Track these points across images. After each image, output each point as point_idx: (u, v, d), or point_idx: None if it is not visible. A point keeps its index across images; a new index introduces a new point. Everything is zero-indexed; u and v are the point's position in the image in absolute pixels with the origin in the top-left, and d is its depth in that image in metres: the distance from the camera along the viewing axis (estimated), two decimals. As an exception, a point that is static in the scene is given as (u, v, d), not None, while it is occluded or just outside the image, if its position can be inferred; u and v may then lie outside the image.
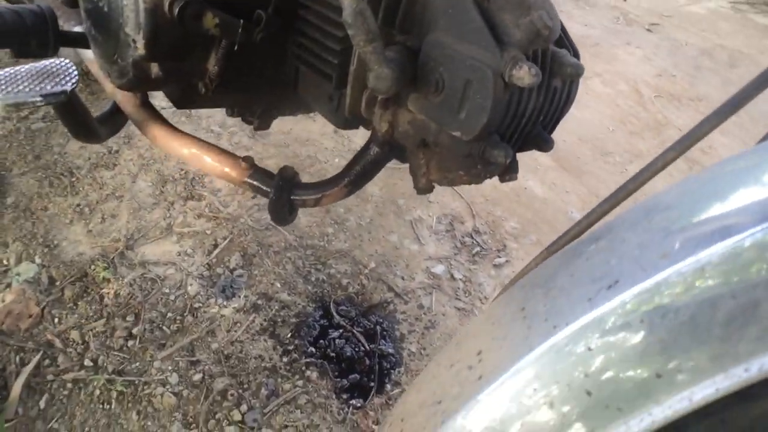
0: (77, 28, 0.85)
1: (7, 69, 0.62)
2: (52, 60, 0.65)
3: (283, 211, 0.74)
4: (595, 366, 0.28)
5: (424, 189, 0.68)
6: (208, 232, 1.43)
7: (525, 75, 0.52)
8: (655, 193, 0.37)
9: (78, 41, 0.77)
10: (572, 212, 1.57)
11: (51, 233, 1.42)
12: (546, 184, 1.66)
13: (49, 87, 0.61)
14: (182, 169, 1.60)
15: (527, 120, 0.61)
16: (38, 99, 0.60)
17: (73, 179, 1.55)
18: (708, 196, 0.32)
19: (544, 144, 0.65)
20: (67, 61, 0.66)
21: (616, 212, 0.46)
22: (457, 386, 0.34)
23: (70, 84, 0.63)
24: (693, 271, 0.27)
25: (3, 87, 0.59)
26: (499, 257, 1.42)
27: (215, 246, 1.40)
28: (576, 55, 0.64)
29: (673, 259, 0.28)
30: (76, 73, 0.65)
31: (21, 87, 0.59)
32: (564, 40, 0.63)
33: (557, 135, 1.96)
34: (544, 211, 1.57)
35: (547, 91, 0.61)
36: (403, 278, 1.35)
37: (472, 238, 1.47)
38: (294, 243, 1.40)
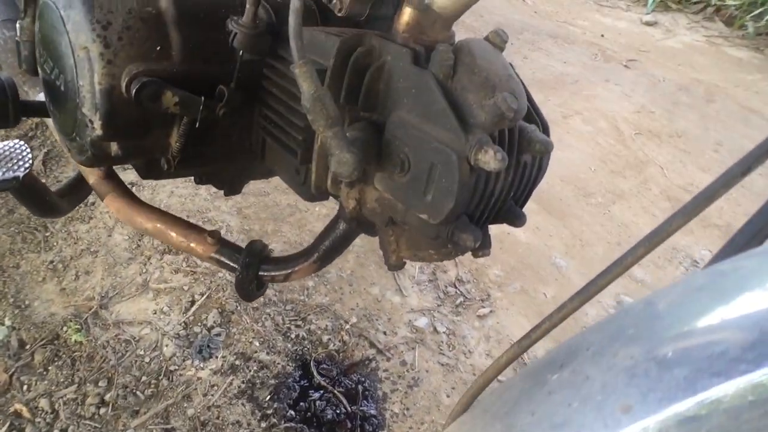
0: (41, 95, 0.83)
1: (-44, 155, 0.60)
2: (5, 143, 0.63)
3: (249, 288, 0.71)
4: None
5: (394, 266, 0.66)
6: (186, 287, 1.40)
7: (491, 159, 0.50)
8: (621, 309, 0.35)
9: (39, 111, 0.75)
10: (556, 257, 1.56)
11: (22, 292, 1.38)
12: (529, 229, 1.64)
13: (0, 173, 0.59)
14: (160, 222, 1.57)
15: (497, 199, 0.59)
16: (-10, 186, 0.58)
17: (47, 234, 1.52)
18: (671, 326, 0.30)
19: (515, 219, 0.63)
20: (22, 143, 0.64)
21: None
22: None
23: (22, 169, 0.61)
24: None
25: (-49, 175, 0.56)
26: (483, 307, 1.40)
27: (192, 303, 1.36)
28: (545, 128, 0.63)
29: (635, 416, 0.26)
30: (30, 156, 0.63)
31: (-30, 175, 0.57)
32: (533, 114, 0.62)
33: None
34: (528, 257, 1.55)
35: (516, 168, 0.59)
36: (385, 333, 1.32)
37: (456, 287, 1.44)
38: (274, 298, 1.37)
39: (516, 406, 0.33)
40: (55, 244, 1.50)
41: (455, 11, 0.58)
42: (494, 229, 1.68)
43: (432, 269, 1.49)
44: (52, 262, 1.45)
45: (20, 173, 0.60)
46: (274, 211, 1.62)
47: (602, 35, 2.98)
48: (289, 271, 0.71)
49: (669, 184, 1.95)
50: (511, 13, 3.04)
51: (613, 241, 1.66)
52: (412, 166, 0.56)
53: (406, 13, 0.56)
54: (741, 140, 2.23)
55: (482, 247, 0.63)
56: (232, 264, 0.72)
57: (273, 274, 0.71)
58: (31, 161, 0.63)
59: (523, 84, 0.63)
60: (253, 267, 0.71)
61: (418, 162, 0.55)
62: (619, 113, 2.26)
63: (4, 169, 0.59)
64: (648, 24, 3.23)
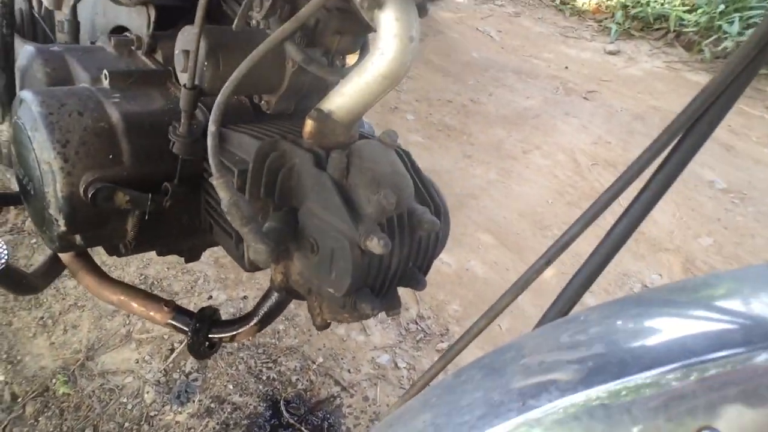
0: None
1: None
2: (-17, 241, 0.75)
3: (200, 349, 0.82)
4: None
5: (321, 326, 0.78)
6: (166, 336, 1.51)
7: (375, 246, 0.62)
8: (441, 379, 0.46)
9: (15, 201, 0.87)
10: (510, 291, 1.66)
11: (15, 348, 1.48)
12: (487, 264, 1.76)
13: (-21, 271, 0.71)
14: (142, 274, 1.68)
15: (394, 271, 0.71)
16: (-29, 283, 0.70)
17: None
18: (456, 399, 0.41)
19: (416, 284, 0.74)
20: (-1, 241, 0.76)
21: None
22: None
23: (0, 264, 0.73)
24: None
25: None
26: (442, 341, 1.50)
27: (172, 350, 1.47)
28: (437, 208, 0.74)
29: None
30: (5, 253, 0.75)
31: (-47, 274, 0.69)
32: (426, 197, 0.74)
33: (499, 212, 2.07)
34: (485, 292, 1.66)
35: (411, 243, 0.71)
36: (349, 371, 1.43)
37: (417, 324, 1.55)
38: (246, 343, 1.48)
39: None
40: (44, 300, 1.61)
41: (351, 120, 0.70)
42: (453, 266, 1.79)
43: (395, 307, 1.60)
44: (42, 318, 1.56)
45: (-2, 267, 0.72)
46: (248, 258, 1.74)
47: (566, 67, 3.13)
48: (234, 333, 0.82)
49: (620, 210, 2.06)
50: (477, 50, 3.20)
51: (568, 272, 1.77)
52: (320, 249, 0.68)
53: (308, 125, 0.69)
54: (694, 165, 2.36)
55: (390, 308, 0.75)
56: (185, 328, 0.83)
57: (220, 336, 0.83)
58: (6, 257, 0.74)
59: (418, 171, 0.75)
60: (202, 330, 0.82)
61: (323, 246, 0.67)
62: (576, 145, 2.39)
63: (-18, 267, 0.71)
64: (611, 53, 3.39)
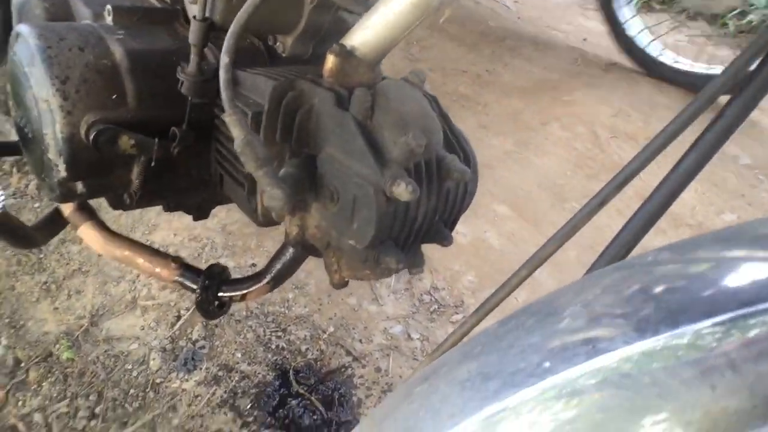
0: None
1: (-64, 198, 0.67)
2: (-21, 186, 0.70)
3: (209, 308, 0.78)
4: None
5: (338, 285, 0.72)
6: (172, 303, 1.46)
7: (403, 192, 0.57)
8: (480, 331, 0.41)
9: (14, 151, 0.82)
10: (528, 263, 1.61)
11: (18, 313, 1.45)
12: (504, 235, 1.70)
13: (-26, 215, 0.66)
14: (147, 240, 1.64)
15: (420, 223, 0.65)
16: (-35, 227, 0.65)
17: (41, 256, 1.59)
18: (506, 347, 0.36)
19: (443, 240, 0.69)
20: (-6, 186, 0.71)
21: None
22: None
23: (-4, 208, 0.68)
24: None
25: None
26: (456, 313, 1.46)
27: (178, 318, 1.43)
28: (467, 157, 0.69)
29: (455, 421, 0.32)
30: (2, 194, 0.70)
31: (-55, 217, 0.64)
32: (455, 145, 0.68)
33: (517, 184, 2.01)
34: (501, 264, 1.60)
35: (439, 194, 0.65)
36: (361, 341, 1.38)
37: (431, 295, 1.50)
38: (255, 310, 1.43)
39: (388, 414, 0.39)
40: (48, 265, 1.57)
41: (376, 57, 0.64)
42: (469, 236, 1.74)
43: (408, 278, 1.55)
44: (45, 282, 1.52)
45: (-7, 213, 0.67)
46: (257, 227, 1.68)
47: (585, 39, 3.03)
48: (245, 291, 0.77)
49: (644, 186, 1.99)
50: (494, 20, 3.10)
51: (587, 244, 1.71)
52: (340, 197, 0.63)
53: (330, 61, 0.62)
54: (717, 139, 2.27)
55: (414, 265, 0.70)
56: (193, 286, 0.78)
57: (230, 294, 0.78)
58: (3, 199, 0.69)
59: (446, 117, 0.69)
60: (211, 288, 0.77)
61: (344, 194, 0.62)
62: (596, 117, 2.31)
63: (-22, 212, 0.66)
64: (631, 26, 3.27)
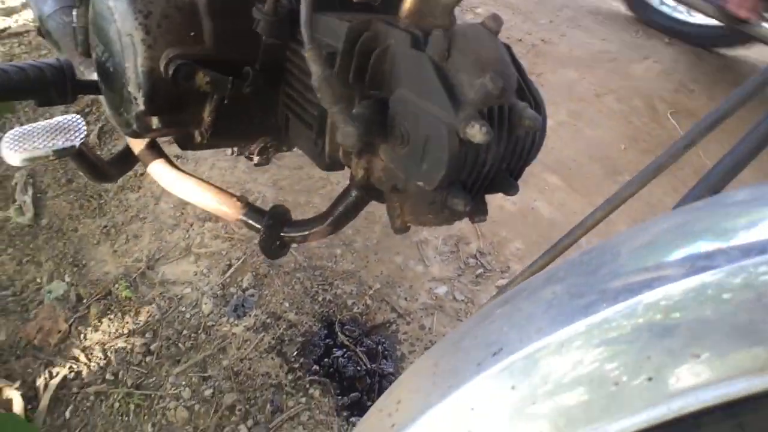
0: (94, 75, 0.93)
1: (25, 126, 0.70)
2: (64, 117, 0.73)
3: (272, 247, 0.80)
4: (476, 424, 0.33)
5: (400, 229, 0.73)
6: (224, 252, 1.51)
7: (477, 133, 0.57)
8: (561, 262, 0.41)
9: (93, 89, 0.85)
10: (577, 233, 1.59)
11: (80, 253, 1.52)
12: (553, 205, 1.68)
13: (60, 143, 0.69)
14: (201, 192, 1.68)
15: (489, 169, 0.65)
16: (51, 154, 0.68)
17: (101, 201, 1.66)
18: (593, 270, 0.36)
19: (509, 189, 0.69)
20: (77, 117, 0.74)
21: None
22: (378, 431, 0.39)
23: (78, 139, 0.71)
24: (555, 346, 0.32)
25: (20, 144, 0.67)
26: (502, 279, 1.46)
27: (229, 266, 1.47)
28: (538, 105, 0.68)
29: (543, 334, 0.33)
30: (84, 128, 0.73)
31: (36, 143, 0.67)
32: (526, 93, 0.67)
33: (568, 154, 1.97)
34: (550, 233, 1.59)
35: (508, 141, 0.65)
36: (406, 299, 1.40)
37: (477, 259, 1.51)
38: (303, 264, 1.47)
39: (467, 333, 0.40)
40: (108, 210, 1.63)
41: (453, 0, 0.63)
42: (518, 204, 1.72)
43: (455, 241, 1.56)
44: (105, 226, 1.59)
45: (76, 143, 0.70)
46: (307, 183, 1.71)
47: (646, 11, 2.92)
48: (307, 233, 0.79)
49: (702, 164, 1.93)
50: (552, -11, 3.01)
51: (639, 218, 1.68)
52: (411, 138, 0.63)
53: (407, 2, 0.62)
54: None
55: (478, 213, 0.70)
56: (257, 225, 0.81)
57: (292, 235, 0.80)
58: (86, 132, 0.73)
59: (518, 64, 0.68)
60: (275, 228, 0.79)
61: (415, 135, 0.62)
62: (656, 91, 2.23)
63: (64, 139, 0.70)
64: (696, -2, 3.12)
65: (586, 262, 0.38)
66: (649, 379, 0.29)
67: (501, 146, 0.65)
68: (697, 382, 0.29)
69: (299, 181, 1.73)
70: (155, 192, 1.70)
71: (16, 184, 1.68)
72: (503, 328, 0.36)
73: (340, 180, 1.74)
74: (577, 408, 0.31)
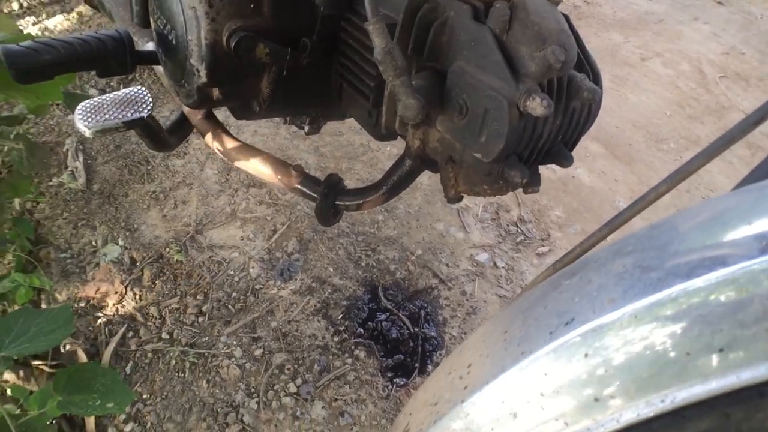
0: (150, 45, 0.96)
1: (94, 99, 0.73)
2: (131, 89, 0.76)
3: (327, 215, 0.83)
4: (549, 388, 0.35)
5: (453, 199, 0.75)
6: (269, 218, 1.55)
7: (537, 106, 0.57)
8: (628, 233, 0.43)
9: (152, 60, 0.88)
10: (619, 202, 1.58)
11: (131, 218, 1.58)
12: (595, 173, 1.66)
13: (129, 114, 0.72)
14: (245, 158, 1.72)
15: (545, 141, 0.66)
16: (121, 125, 0.71)
17: (149, 167, 1.71)
18: (663, 245, 0.37)
19: (563, 160, 0.69)
20: (143, 89, 0.77)
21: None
22: (449, 392, 0.42)
23: (146, 111, 0.74)
24: (628, 317, 0.33)
25: (91, 116, 0.70)
26: (543, 246, 1.46)
27: (274, 231, 1.52)
28: (596, 77, 0.68)
29: (616, 306, 0.34)
30: (150, 100, 0.76)
31: (106, 115, 0.70)
32: (584, 64, 0.67)
33: (610, 121, 1.94)
34: (591, 201, 1.58)
35: (565, 113, 0.66)
36: (447, 265, 1.43)
37: (517, 226, 1.51)
38: (346, 230, 1.50)
39: (535, 303, 0.42)
40: (156, 176, 1.69)
41: (514, -30, 0.63)
42: (559, 173, 1.72)
43: (495, 209, 1.57)
44: (154, 192, 1.64)
45: (144, 114, 0.74)
46: (348, 150, 1.73)
47: (696, -32, 2.79)
48: (361, 201, 0.81)
49: (754, 140, 1.88)
50: (596, -54, 2.89)
51: (682, 188, 1.65)
52: (469, 110, 0.64)
53: (468, -28, 0.62)
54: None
55: (532, 184, 0.71)
56: (313, 194, 0.83)
57: (347, 203, 0.82)
58: (151, 104, 0.75)
59: (577, 36, 0.68)
60: (330, 197, 0.82)
61: (474, 107, 0.63)
62: (704, 55, 2.16)
63: (132, 111, 0.73)
64: (750, -46, 2.97)
65: (655, 236, 0.39)
66: (721, 350, 0.31)
67: (558, 118, 0.65)
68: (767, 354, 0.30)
69: (340, 147, 1.75)
70: (200, 159, 1.74)
71: (67, 150, 1.74)
72: (574, 299, 0.38)
73: (380, 146, 1.75)
74: (648, 375, 0.33)
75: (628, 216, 0.58)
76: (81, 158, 1.73)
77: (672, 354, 0.32)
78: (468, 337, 0.49)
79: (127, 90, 0.75)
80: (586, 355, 0.34)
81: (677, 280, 0.33)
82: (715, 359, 0.31)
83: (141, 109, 0.74)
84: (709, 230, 0.36)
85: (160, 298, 1.40)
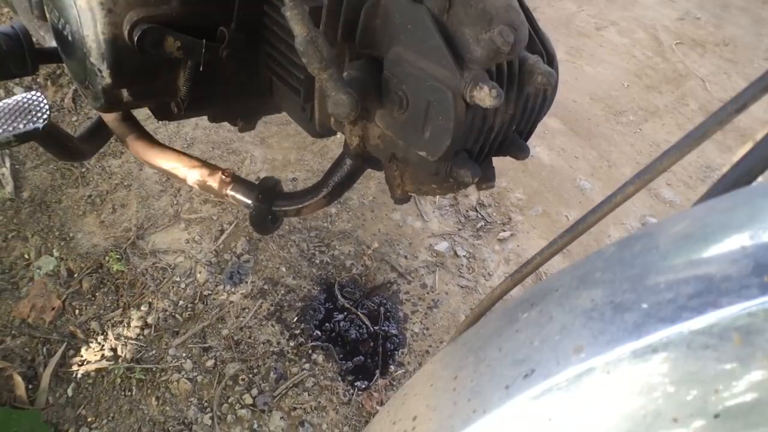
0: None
1: (-22, 108, 0.63)
2: (23, 95, 0.66)
3: (264, 222, 0.74)
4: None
5: (400, 200, 0.68)
6: (215, 217, 1.46)
7: (485, 96, 0.50)
8: (594, 252, 0.36)
9: (55, 57, 0.77)
10: (580, 180, 1.54)
11: (66, 226, 1.46)
12: (554, 150, 1.62)
13: (21, 125, 0.62)
14: (187, 154, 1.61)
15: (497, 134, 0.59)
16: (12, 139, 0.61)
17: (83, 170, 1.58)
18: (636, 270, 0.31)
19: (519, 152, 0.63)
20: (38, 95, 0.66)
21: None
22: (393, 453, 0.35)
23: (41, 121, 0.64)
24: (600, 372, 0.27)
25: (-24, 129, 0.60)
26: (504, 231, 1.41)
27: (222, 232, 1.42)
28: (550, 57, 0.61)
29: (583, 356, 0.28)
30: (47, 107, 0.66)
31: (-6, 127, 0.60)
32: (537, 44, 0.60)
33: (568, 95, 1.89)
34: (551, 180, 1.54)
35: (518, 101, 0.59)
36: (406, 257, 1.36)
37: (477, 211, 1.46)
38: (298, 225, 1.42)
39: (488, 341, 0.35)
40: (91, 179, 1.56)
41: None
42: (517, 152, 1.65)
43: (453, 194, 1.51)
44: (90, 196, 1.52)
45: (40, 124, 0.63)
46: (296, 140, 1.64)
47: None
48: (300, 206, 0.73)
49: (709, 98, 1.86)
50: None
51: (643, 161, 1.62)
52: (410, 103, 0.56)
53: (399, -55, 0.54)
54: None
55: (486, 180, 0.64)
56: (246, 200, 0.75)
57: (285, 208, 0.74)
58: (48, 111, 0.65)
59: (527, 12, 0.61)
60: (265, 203, 0.73)
61: (415, 99, 0.56)
62: (659, 21, 2.12)
63: (25, 121, 0.62)
64: None
65: (628, 259, 0.32)
66: (716, 416, 0.25)
67: (510, 107, 0.58)
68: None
69: (288, 138, 1.65)
70: (139, 156, 1.62)
71: (-9, 155, 1.59)
72: (533, 342, 0.32)
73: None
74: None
75: (591, 221, 0.51)
76: (8, 163, 1.59)
77: (655, 420, 0.26)
78: (415, 375, 0.42)
79: (18, 97, 0.65)
80: (550, 419, 0.28)
81: (659, 326, 0.27)
82: (708, 428, 0.25)
83: (35, 119, 0.64)
84: (694, 251, 0.30)
85: (101, 312, 1.30)
